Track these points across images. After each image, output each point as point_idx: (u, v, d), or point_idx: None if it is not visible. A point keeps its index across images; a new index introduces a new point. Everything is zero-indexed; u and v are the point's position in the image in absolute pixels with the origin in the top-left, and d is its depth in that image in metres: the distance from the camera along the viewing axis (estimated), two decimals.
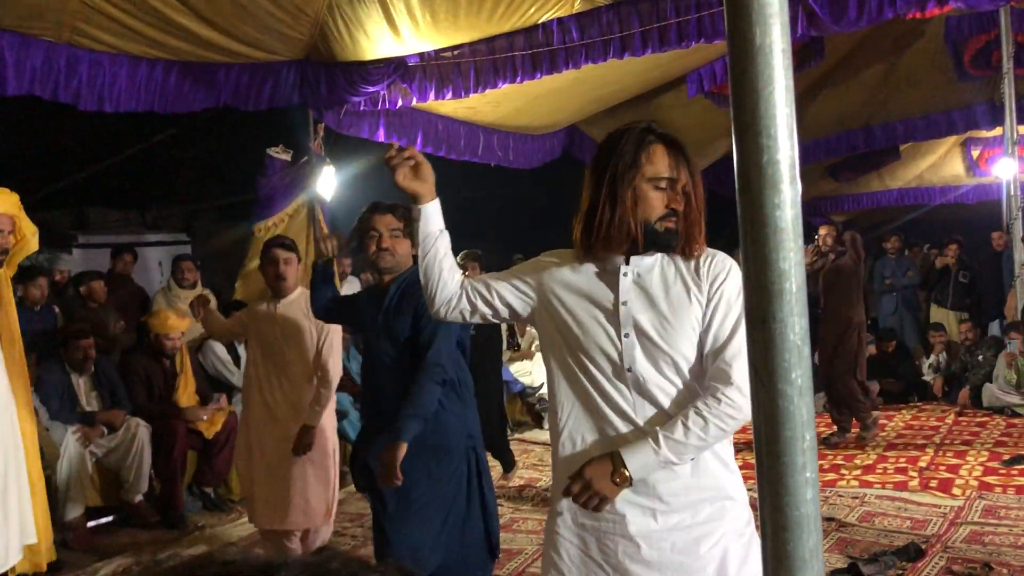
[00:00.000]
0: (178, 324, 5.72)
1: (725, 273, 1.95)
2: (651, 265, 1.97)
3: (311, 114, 6.92)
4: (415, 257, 2.35)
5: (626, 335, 1.93)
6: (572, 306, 1.99)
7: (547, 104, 7.83)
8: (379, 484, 3.00)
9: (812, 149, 11.07)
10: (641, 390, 1.93)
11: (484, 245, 6.81)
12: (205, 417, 5.61)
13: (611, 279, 1.98)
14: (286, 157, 7.03)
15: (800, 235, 1.46)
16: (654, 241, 1.94)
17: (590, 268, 2.01)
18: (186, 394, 5.72)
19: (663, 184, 1.92)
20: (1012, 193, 8.41)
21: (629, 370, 1.92)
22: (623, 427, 1.93)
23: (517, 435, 7.60)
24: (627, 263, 1.97)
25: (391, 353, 3.13)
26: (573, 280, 2.01)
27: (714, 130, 9.90)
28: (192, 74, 5.84)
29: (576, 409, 1.98)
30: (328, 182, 7.02)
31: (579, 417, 1.98)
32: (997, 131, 10.05)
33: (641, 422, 1.93)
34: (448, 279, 2.05)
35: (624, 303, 1.95)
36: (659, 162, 1.93)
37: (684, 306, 1.94)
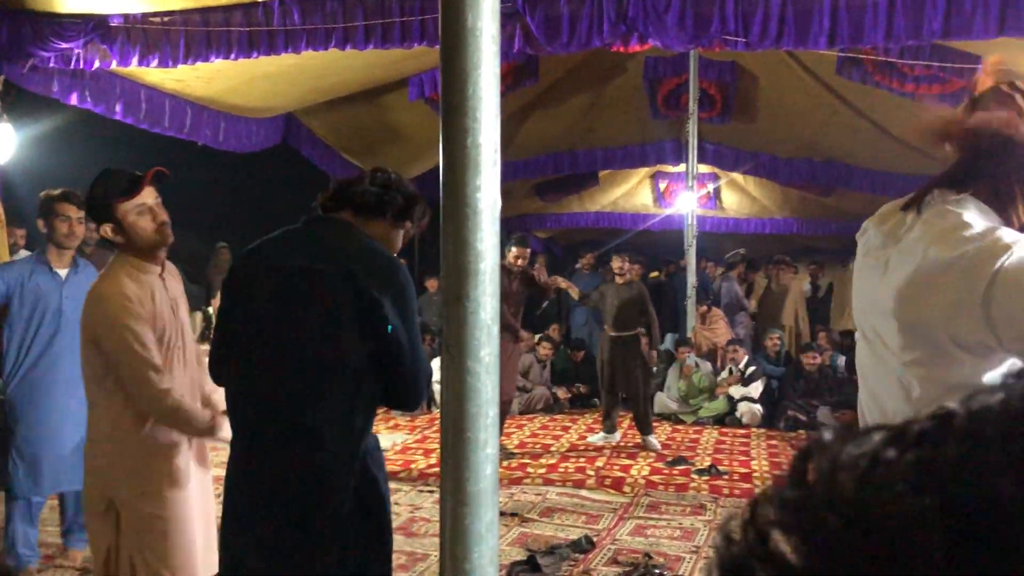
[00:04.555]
0: None
1: None
2: None
3: None
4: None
5: None
6: None
7: (263, 87, 7.54)
8: None
9: (522, 167, 11.62)
10: None
11: (186, 232, 6.35)
12: None
13: None
14: None
15: (497, 218, 1.50)
16: None
17: None
18: None
19: None
20: (690, 223, 9.36)
21: None
22: None
23: None
24: None
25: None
26: None
27: (432, 137, 10.09)
28: None
29: None
30: (5, 142, 6.26)
31: None
32: (681, 167, 11.17)
33: None
34: None
35: None
36: None
37: None
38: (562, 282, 7.51)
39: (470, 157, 1.47)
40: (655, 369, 8.81)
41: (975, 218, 1.34)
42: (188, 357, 2.69)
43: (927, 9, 4.87)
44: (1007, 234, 1.28)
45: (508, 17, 5.39)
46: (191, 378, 2.68)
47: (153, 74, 6.68)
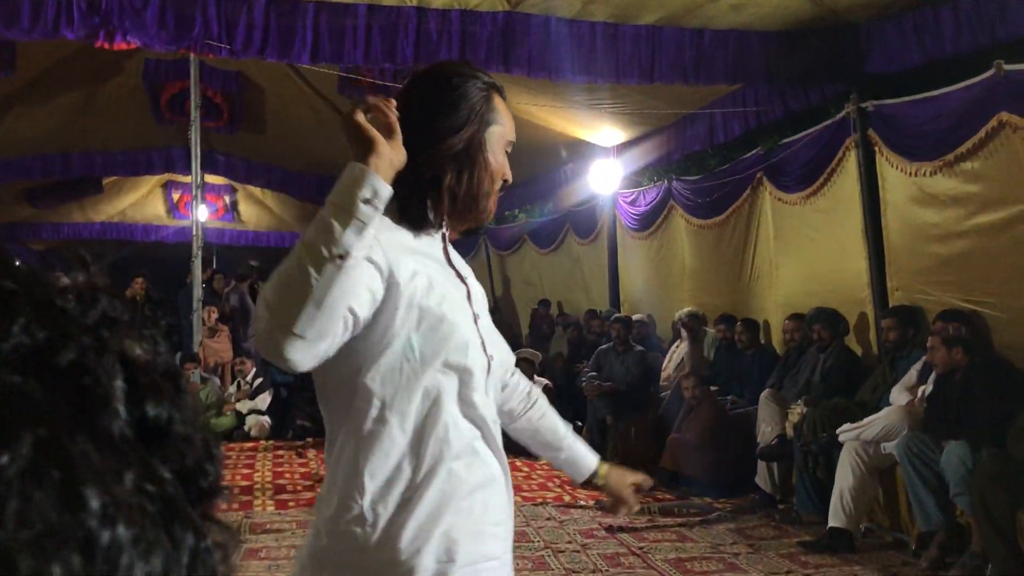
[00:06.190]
0: None
1: None
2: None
3: None
4: None
5: (477, 316, 1.50)
6: (435, 281, 1.44)
7: None
8: None
9: (3, 169, 10.29)
10: (495, 390, 1.54)
11: None
12: None
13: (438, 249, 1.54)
14: None
15: None
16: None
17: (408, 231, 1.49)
18: None
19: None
20: (196, 234, 9.03)
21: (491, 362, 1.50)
22: (494, 437, 1.48)
23: None
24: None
25: None
26: (414, 244, 1.46)
27: None
28: None
29: (444, 422, 1.41)
30: None
31: (447, 434, 1.40)
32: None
33: (495, 428, 1.49)
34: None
35: (466, 277, 1.55)
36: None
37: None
38: None
39: None
40: None
41: None
42: None
43: (400, 36, 5.25)
44: None
45: None
46: None
47: None
